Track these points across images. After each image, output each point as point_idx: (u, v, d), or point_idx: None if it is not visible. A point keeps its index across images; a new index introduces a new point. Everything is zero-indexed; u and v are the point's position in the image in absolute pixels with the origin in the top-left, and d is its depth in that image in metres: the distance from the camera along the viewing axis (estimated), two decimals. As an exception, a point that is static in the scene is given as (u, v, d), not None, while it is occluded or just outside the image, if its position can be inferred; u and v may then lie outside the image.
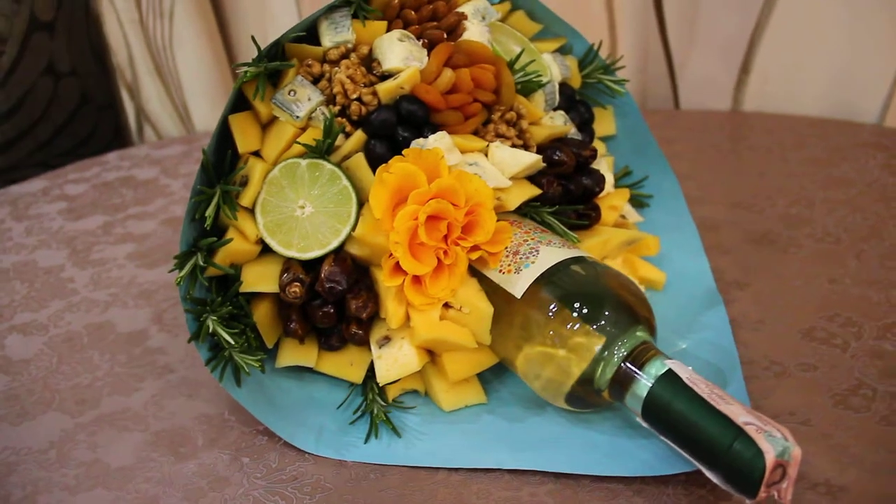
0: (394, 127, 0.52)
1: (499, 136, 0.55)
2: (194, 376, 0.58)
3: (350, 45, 0.54)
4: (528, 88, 0.58)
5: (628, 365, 0.45)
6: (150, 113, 1.10)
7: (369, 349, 0.53)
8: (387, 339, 0.52)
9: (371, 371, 0.54)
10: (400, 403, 0.54)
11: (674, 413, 0.42)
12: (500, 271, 0.51)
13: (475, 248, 0.50)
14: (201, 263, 0.50)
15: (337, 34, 0.54)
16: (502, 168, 0.53)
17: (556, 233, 0.55)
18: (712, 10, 0.94)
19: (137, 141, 1.13)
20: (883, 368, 0.53)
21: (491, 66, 0.55)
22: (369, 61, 0.55)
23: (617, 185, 0.66)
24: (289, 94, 0.53)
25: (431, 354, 0.53)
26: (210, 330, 0.50)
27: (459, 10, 0.58)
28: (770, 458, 0.38)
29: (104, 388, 0.58)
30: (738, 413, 0.40)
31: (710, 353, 0.54)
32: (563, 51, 0.64)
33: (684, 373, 0.43)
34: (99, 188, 0.90)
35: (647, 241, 0.62)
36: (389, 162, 0.49)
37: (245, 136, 0.53)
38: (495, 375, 0.55)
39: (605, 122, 0.66)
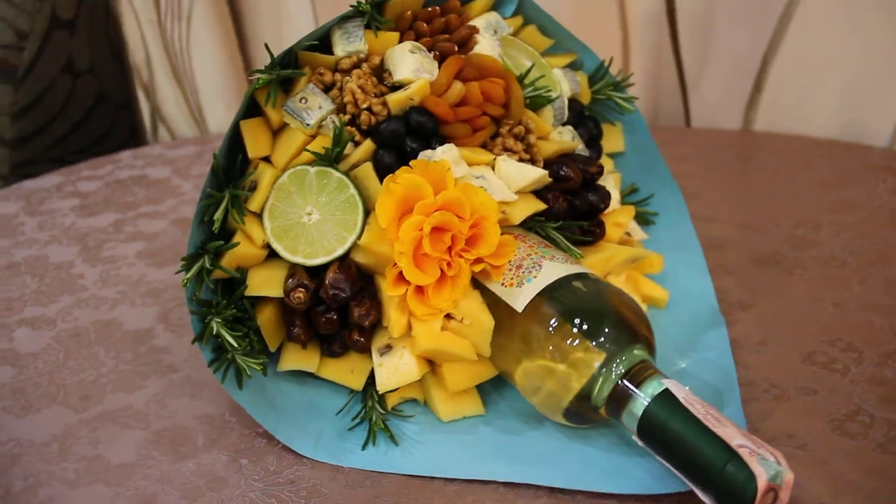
0: (402, 137, 0.53)
1: (506, 149, 0.55)
2: (198, 376, 0.59)
3: (362, 55, 0.55)
4: (537, 103, 0.59)
5: (626, 382, 0.46)
6: (165, 113, 1.12)
7: (370, 357, 0.53)
8: (388, 348, 0.53)
9: (371, 378, 0.54)
10: (399, 412, 0.54)
11: (669, 432, 0.43)
12: (503, 284, 0.51)
13: (479, 260, 0.51)
14: (208, 266, 0.51)
15: (349, 44, 0.55)
16: (508, 182, 0.54)
17: (560, 248, 0.56)
18: (726, 29, 0.95)
19: (152, 140, 1.15)
20: (882, 395, 0.53)
21: (501, 80, 0.56)
22: (380, 72, 0.55)
23: (623, 202, 0.66)
24: (300, 101, 0.53)
25: (432, 364, 0.53)
26: (214, 332, 0.51)
27: (471, 23, 0.58)
28: (762, 481, 0.39)
29: (108, 385, 0.59)
30: (733, 435, 0.41)
31: (709, 373, 0.54)
32: (573, 66, 0.65)
33: (681, 393, 0.43)
34: (112, 186, 0.91)
35: (651, 258, 0.62)
36: (396, 172, 0.49)
37: (256, 141, 0.54)
38: (494, 388, 0.55)
39: (613, 139, 0.66)
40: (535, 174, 0.54)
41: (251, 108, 0.54)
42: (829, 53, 0.91)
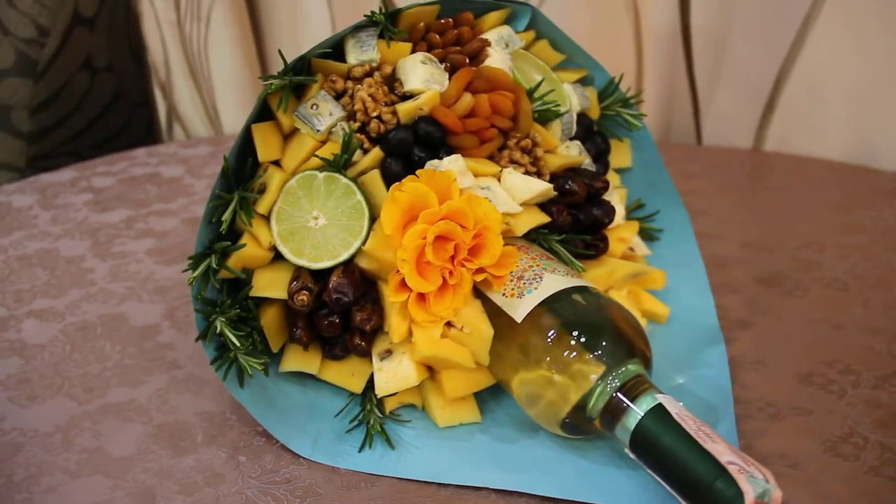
0: (410, 146, 0.54)
1: (513, 162, 0.56)
2: (200, 374, 0.60)
3: (374, 64, 0.56)
4: (545, 117, 0.59)
5: (621, 396, 0.46)
6: (181, 112, 1.13)
7: (371, 361, 0.54)
8: (388, 353, 0.53)
9: (371, 382, 0.55)
10: (397, 416, 0.55)
11: (660, 447, 0.43)
12: (504, 294, 0.52)
13: (480, 270, 0.51)
14: (214, 266, 0.52)
15: (362, 52, 0.56)
16: (513, 194, 0.55)
17: (563, 260, 0.56)
18: (740, 48, 0.95)
19: (167, 139, 1.16)
20: (878, 418, 0.53)
21: (510, 94, 0.56)
22: (392, 81, 0.56)
23: (629, 217, 0.67)
24: (311, 107, 0.54)
25: (431, 371, 0.54)
26: (217, 330, 0.52)
27: (484, 36, 0.59)
28: (749, 498, 0.39)
29: (112, 379, 0.60)
30: (723, 452, 0.41)
31: (705, 390, 0.55)
32: (584, 82, 0.66)
33: (674, 408, 0.44)
34: (125, 182, 0.92)
35: (654, 274, 0.63)
36: (402, 181, 0.50)
37: (266, 145, 0.54)
38: (492, 396, 0.56)
39: (621, 155, 0.67)
40: (540, 187, 0.55)
41: (263, 112, 0.55)
42: (842, 75, 0.91)
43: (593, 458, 0.50)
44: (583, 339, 0.48)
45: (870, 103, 0.91)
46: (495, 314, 0.52)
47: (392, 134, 0.54)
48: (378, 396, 0.53)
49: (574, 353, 0.48)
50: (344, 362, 0.56)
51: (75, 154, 1.09)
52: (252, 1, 1.07)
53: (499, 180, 0.55)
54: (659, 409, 0.44)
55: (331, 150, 0.54)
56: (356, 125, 0.54)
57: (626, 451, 0.46)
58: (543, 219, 0.56)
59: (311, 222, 0.53)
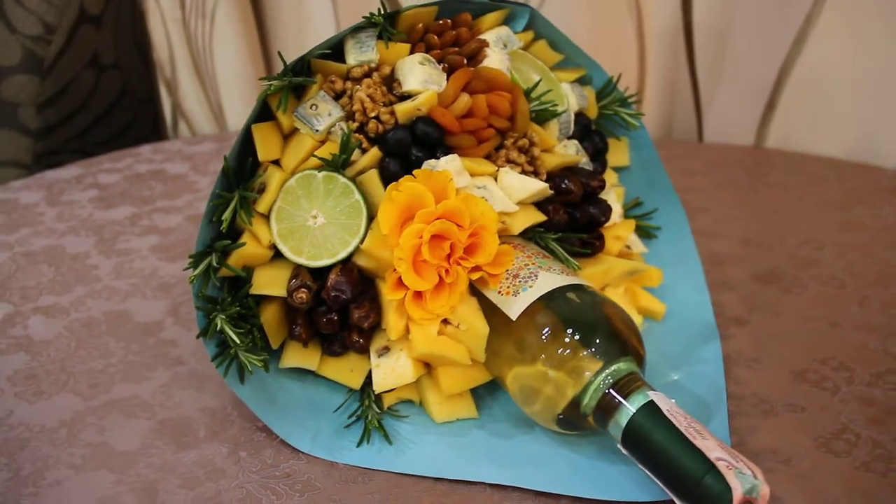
0: (408, 146, 0.55)
1: (509, 161, 0.57)
2: (203, 370, 0.61)
3: (373, 65, 0.57)
4: (542, 117, 0.60)
5: (613, 393, 0.47)
6: (186, 109, 1.14)
7: (369, 357, 0.55)
8: (386, 350, 0.54)
9: (370, 378, 0.56)
10: (395, 412, 0.56)
11: (651, 443, 0.44)
12: (500, 292, 0.53)
13: (476, 268, 0.52)
14: (215, 264, 0.53)
15: (361, 53, 0.57)
16: (510, 193, 0.55)
17: (559, 259, 0.57)
18: (742, 46, 0.96)
19: (172, 135, 1.17)
20: (871, 415, 0.54)
21: (507, 94, 0.57)
22: (391, 81, 0.57)
23: (627, 216, 0.67)
24: (310, 108, 0.55)
25: (428, 367, 0.55)
26: (218, 328, 0.53)
27: (482, 37, 0.60)
28: (737, 494, 0.40)
29: (116, 375, 0.61)
30: (712, 448, 0.42)
31: (700, 386, 0.56)
32: (582, 81, 0.66)
33: (665, 405, 0.45)
34: (130, 179, 0.93)
35: (650, 272, 0.63)
36: (399, 181, 0.51)
37: (266, 145, 0.55)
38: (489, 392, 0.56)
39: (619, 153, 0.68)
40: (536, 187, 0.56)
41: (263, 112, 0.56)
42: (843, 72, 0.92)
43: (587, 453, 0.51)
44: (577, 337, 0.49)
45: (871, 100, 0.92)
46: (491, 311, 0.53)
47: (390, 134, 0.54)
48: (376, 392, 0.54)
49: (568, 351, 0.49)
50: (343, 358, 0.56)
51: (81, 151, 1.11)
52: (256, -2, 1.08)
53: (496, 180, 0.56)
54: (650, 406, 0.45)
55: (330, 149, 0.55)
56: (355, 125, 0.55)
57: (619, 446, 0.46)
58: (540, 217, 0.57)
59: (311, 221, 0.54)
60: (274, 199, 0.54)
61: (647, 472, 0.45)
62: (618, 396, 0.47)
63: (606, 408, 0.47)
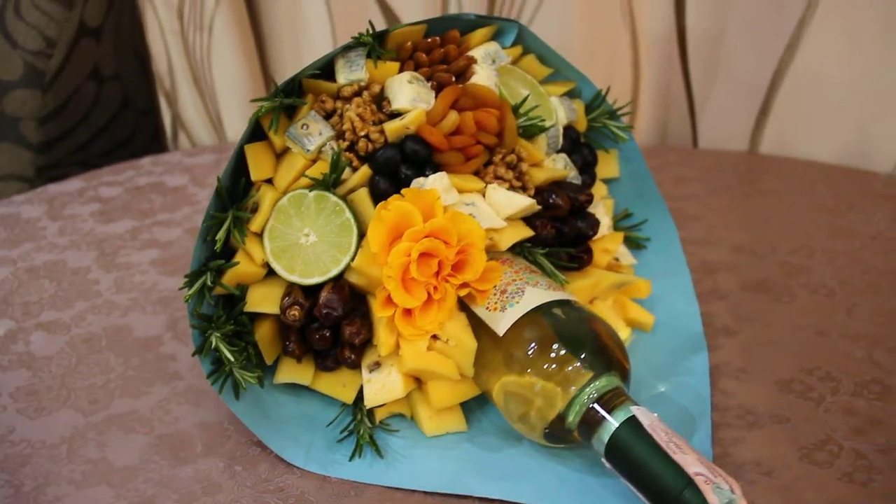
0: (398, 165, 0.56)
1: (497, 178, 0.58)
2: (200, 385, 0.62)
3: (363, 84, 0.58)
4: (530, 132, 0.61)
5: (597, 407, 0.48)
6: (185, 120, 1.15)
7: (361, 372, 0.56)
8: (377, 365, 0.55)
9: (362, 392, 0.57)
10: (386, 426, 0.57)
11: (633, 457, 0.45)
12: (487, 308, 0.54)
13: (465, 284, 0.53)
14: (209, 283, 0.54)
15: (351, 72, 0.58)
16: (498, 209, 0.56)
17: (546, 273, 0.58)
18: (735, 53, 0.96)
19: (172, 146, 1.18)
20: (854, 426, 0.55)
21: (495, 111, 0.58)
22: (381, 99, 0.58)
23: (617, 227, 0.68)
24: (302, 128, 0.56)
25: (419, 382, 0.56)
26: (213, 346, 0.54)
27: (470, 53, 0.61)
28: (715, 509, 0.41)
29: (116, 390, 0.62)
30: (691, 463, 0.43)
31: (685, 398, 0.56)
32: (571, 94, 0.67)
33: (647, 420, 0.46)
34: (131, 192, 0.95)
35: (639, 284, 0.64)
36: (388, 200, 0.52)
37: (259, 164, 0.56)
38: (479, 405, 0.57)
39: (608, 165, 0.68)
40: (524, 203, 0.57)
41: (256, 132, 0.57)
42: (836, 77, 0.92)
43: (574, 466, 0.52)
44: (562, 352, 0.50)
45: (864, 105, 0.92)
46: (480, 327, 0.54)
47: (380, 152, 0.56)
48: (367, 407, 0.55)
49: (554, 366, 0.50)
50: (336, 373, 0.58)
51: (83, 163, 1.12)
52: (254, 11, 1.09)
53: (484, 196, 0.57)
54: (632, 421, 0.46)
55: (321, 168, 0.56)
56: (345, 144, 0.56)
57: (603, 460, 0.47)
58: (528, 233, 0.58)
59: (303, 239, 0.55)
60: (267, 218, 0.55)
61: (629, 485, 0.46)
62: (602, 411, 0.48)
63: (591, 422, 0.48)
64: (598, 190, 0.66)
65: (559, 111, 0.64)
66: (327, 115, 0.57)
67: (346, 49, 0.58)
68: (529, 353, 0.51)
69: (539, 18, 0.97)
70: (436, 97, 0.57)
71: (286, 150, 0.57)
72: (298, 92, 0.58)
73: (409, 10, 1.01)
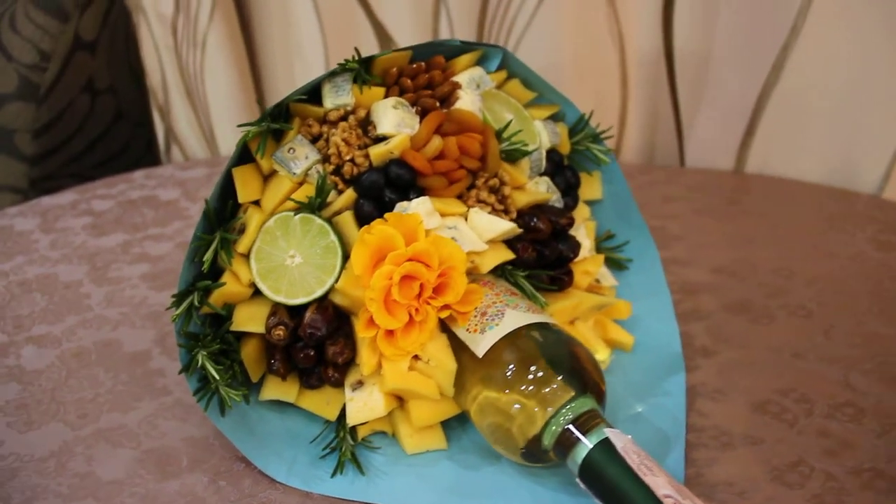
0: (382, 189, 0.57)
1: (480, 201, 0.59)
2: (187, 400, 0.63)
3: (349, 108, 0.59)
4: (513, 156, 0.62)
5: (573, 429, 0.49)
6: (178, 133, 1.16)
7: (344, 391, 0.57)
8: (360, 384, 0.56)
9: (345, 410, 0.58)
10: (368, 443, 0.58)
11: (605, 479, 0.46)
12: (468, 330, 0.55)
13: (446, 306, 0.54)
14: (196, 303, 0.55)
15: (338, 97, 0.59)
16: (480, 233, 0.58)
17: (527, 294, 0.59)
18: (722, 73, 0.98)
19: (165, 160, 1.19)
20: (826, 447, 0.56)
21: (478, 135, 0.59)
22: (366, 123, 0.59)
23: (599, 248, 0.69)
24: (288, 151, 0.57)
25: (400, 400, 0.57)
26: (199, 364, 0.55)
27: (455, 78, 0.62)
28: (683, 531, 0.42)
29: (105, 405, 0.63)
30: (661, 486, 0.44)
31: (661, 419, 0.58)
32: (556, 118, 0.68)
33: (620, 442, 0.47)
34: (123, 205, 0.96)
35: (619, 305, 0.66)
36: (371, 224, 0.53)
37: (246, 187, 0.58)
38: (459, 423, 0.59)
39: (591, 187, 0.70)
40: (505, 227, 0.58)
41: (244, 155, 0.59)
42: (821, 99, 0.94)
43: (550, 485, 0.53)
44: (539, 374, 0.51)
45: (849, 126, 0.94)
46: (460, 348, 0.55)
47: (364, 176, 0.57)
48: (350, 425, 0.57)
49: (532, 387, 0.51)
50: (320, 391, 0.59)
51: (77, 174, 1.13)
52: (247, 27, 1.10)
53: (466, 219, 0.58)
54: (606, 444, 0.47)
55: (307, 191, 0.57)
56: (331, 168, 0.58)
57: (577, 480, 0.49)
58: (509, 255, 0.59)
59: (288, 261, 0.56)
60: (254, 239, 0.57)
61: (602, 505, 0.47)
62: (577, 433, 0.49)
63: (566, 443, 0.49)
64: (581, 212, 0.67)
65: (543, 135, 0.65)
66: (314, 139, 0.59)
67: (333, 74, 0.59)
68: (508, 374, 0.52)
69: (528, 39, 0.99)
70: (420, 122, 0.58)
71: (273, 173, 0.59)
72: (286, 116, 0.59)
73: (401, 28, 1.03)
